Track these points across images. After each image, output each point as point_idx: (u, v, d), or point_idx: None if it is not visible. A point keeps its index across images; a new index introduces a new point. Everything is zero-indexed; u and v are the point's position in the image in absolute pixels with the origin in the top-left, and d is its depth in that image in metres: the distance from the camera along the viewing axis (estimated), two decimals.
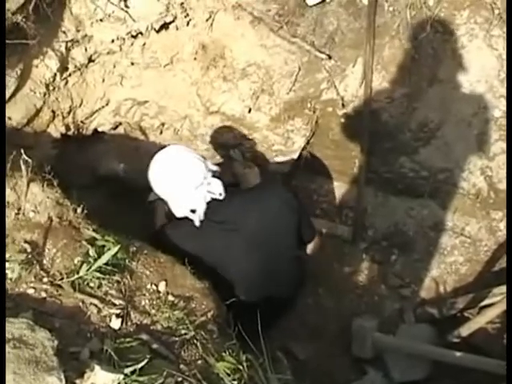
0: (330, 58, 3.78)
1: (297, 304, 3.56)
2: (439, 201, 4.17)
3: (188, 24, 3.83)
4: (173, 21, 3.79)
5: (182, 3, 3.66)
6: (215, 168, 3.23)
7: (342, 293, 4.08)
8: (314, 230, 3.63)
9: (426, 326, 3.80)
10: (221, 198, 3.15)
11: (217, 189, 3.13)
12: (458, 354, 3.41)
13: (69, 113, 3.97)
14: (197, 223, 3.08)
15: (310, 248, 3.92)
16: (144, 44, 3.90)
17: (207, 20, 3.77)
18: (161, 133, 4.33)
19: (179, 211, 3.15)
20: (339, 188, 4.37)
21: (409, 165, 4.11)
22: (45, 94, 3.75)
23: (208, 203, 3.14)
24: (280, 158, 4.19)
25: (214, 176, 3.17)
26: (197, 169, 3.11)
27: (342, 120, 4.02)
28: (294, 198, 3.42)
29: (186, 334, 2.49)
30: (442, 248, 4.13)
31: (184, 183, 3.10)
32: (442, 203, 4.17)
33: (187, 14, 3.76)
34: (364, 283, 4.12)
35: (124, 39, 3.80)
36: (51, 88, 3.76)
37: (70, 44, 3.71)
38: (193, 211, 3.13)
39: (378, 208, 4.25)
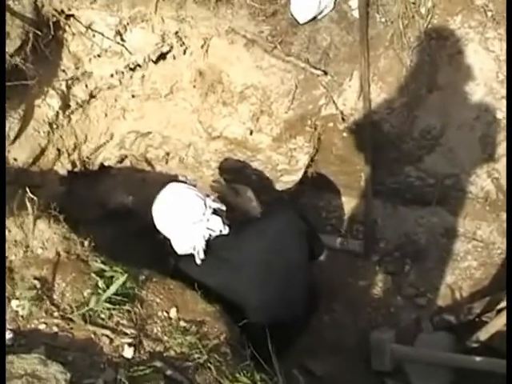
0: (325, 73, 3.79)
1: (311, 325, 3.53)
2: (448, 207, 4.18)
3: (184, 52, 3.87)
4: (169, 51, 3.83)
5: (177, 32, 3.70)
6: (216, 205, 3.21)
7: (357, 307, 4.07)
8: (322, 246, 3.62)
9: (444, 333, 3.79)
10: (225, 233, 3.14)
11: (216, 226, 3.12)
12: (478, 358, 3.39)
13: (74, 149, 4.00)
14: (198, 260, 3.07)
15: (322, 264, 3.89)
16: (143, 76, 3.93)
17: (202, 47, 3.79)
18: (166, 162, 4.34)
19: (180, 248, 3.16)
20: (347, 203, 4.37)
21: (415, 173, 4.11)
22: (49, 133, 3.79)
23: (215, 239, 3.14)
24: (285, 178, 4.19)
25: (214, 213, 3.17)
26: (195, 206, 3.11)
27: (344, 134, 4.02)
28: (302, 221, 3.39)
29: (199, 358, 2.49)
30: (454, 254, 4.13)
31: (182, 220, 3.11)
32: (452, 209, 4.17)
33: (183, 43, 3.79)
34: (379, 295, 4.11)
35: (123, 72, 3.84)
36: (55, 126, 3.80)
37: (70, 82, 3.76)
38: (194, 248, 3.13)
39: (388, 219, 4.25)
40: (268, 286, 3.13)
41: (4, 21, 3.10)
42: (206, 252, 3.09)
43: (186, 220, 3.10)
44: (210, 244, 3.11)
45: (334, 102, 3.91)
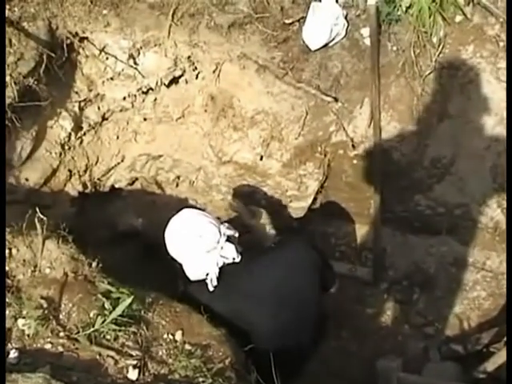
0: (336, 100, 3.83)
1: (318, 353, 3.52)
2: (458, 236, 4.17)
3: (197, 77, 3.92)
4: (182, 75, 3.88)
5: (189, 57, 3.75)
6: (231, 232, 3.16)
7: (365, 334, 4.06)
8: (335, 278, 3.60)
9: (451, 363, 3.77)
10: (237, 260, 3.12)
11: (230, 253, 3.08)
12: None
13: (85, 171, 4.05)
14: (210, 287, 3.05)
15: (331, 292, 3.89)
16: (155, 99, 3.99)
17: (214, 72, 3.84)
18: (177, 186, 4.37)
19: (192, 274, 3.14)
20: (356, 230, 4.37)
21: (424, 202, 4.12)
22: (61, 154, 3.85)
23: (227, 266, 3.12)
24: (295, 204, 4.21)
25: (228, 240, 3.17)
26: (210, 234, 3.04)
27: (354, 161, 4.04)
28: (315, 251, 3.37)
29: (203, 381, 2.48)
30: (463, 284, 4.12)
31: (196, 248, 3.04)
32: (461, 238, 4.16)
33: (195, 68, 3.84)
34: (387, 324, 4.10)
35: (135, 96, 3.90)
36: (67, 147, 3.86)
37: (82, 104, 3.83)
38: (207, 274, 3.12)
39: (397, 247, 4.25)
40: (277, 315, 3.10)
41: (4, 28, 3.14)
42: (217, 279, 3.08)
43: (200, 248, 3.03)
44: (222, 270, 3.08)
45: (344, 129, 3.94)
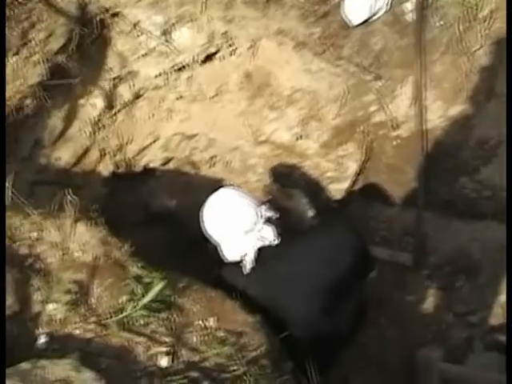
0: (377, 78, 3.79)
1: (356, 341, 3.49)
2: (504, 221, 4.08)
3: (232, 54, 3.90)
4: (217, 51, 3.86)
5: (225, 33, 3.72)
6: (270, 214, 3.15)
7: (405, 322, 4.00)
8: (374, 263, 3.56)
9: (496, 354, 3.70)
10: (275, 243, 3.10)
11: (268, 236, 3.06)
12: None
13: (118, 151, 4.06)
14: (246, 269, 3.05)
15: (370, 278, 3.85)
16: (189, 77, 3.97)
17: (250, 48, 3.82)
18: (212, 166, 4.37)
19: (229, 256, 3.13)
20: (397, 213, 4.31)
21: (470, 185, 4.05)
22: (92, 133, 3.86)
23: (265, 248, 3.10)
24: (334, 185, 4.19)
25: (267, 222, 3.15)
26: (248, 214, 3.04)
27: (396, 142, 4.01)
28: (357, 236, 3.33)
29: (237, 370, 2.47)
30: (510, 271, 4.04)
31: (234, 228, 3.04)
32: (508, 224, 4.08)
33: (231, 44, 3.81)
34: (428, 311, 4.04)
35: (169, 73, 3.88)
36: (99, 126, 3.87)
37: (115, 81, 3.82)
38: (244, 256, 3.10)
39: (440, 232, 4.17)
40: (315, 301, 3.08)
41: (4, 22, 3.13)
42: (255, 261, 3.07)
43: (238, 229, 3.03)
44: (260, 253, 3.07)
45: (385, 108, 3.90)
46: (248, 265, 3.00)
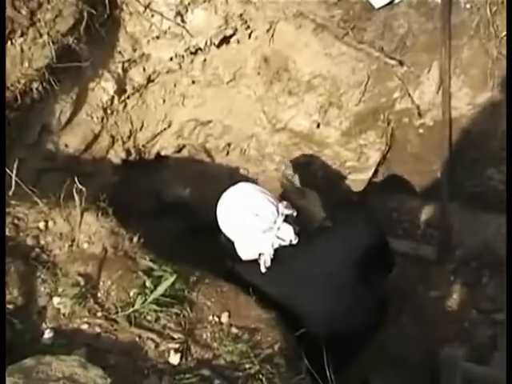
0: (401, 63, 3.75)
1: (375, 340, 3.48)
2: None
3: (249, 37, 3.88)
4: (233, 34, 3.84)
5: (241, 15, 3.70)
6: (289, 211, 3.08)
7: (427, 319, 3.98)
8: (394, 260, 3.54)
9: None
10: (294, 243, 3.07)
11: (287, 235, 3.01)
12: None
13: (129, 137, 4.06)
14: (263, 269, 3.02)
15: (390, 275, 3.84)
16: (204, 60, 3.96)
17: (268, 31, 3.79)
18: (227, 154, 4.37)
19: (245, 254, 3.11)
20: (421, 205, 4.29)
21: (497, 176, 4.02)
22: (103, 119, 3.85)
23: (283, 247, 3.08)
24: (354, 176, 4.19)
25: (286, 221, 3.05)
26: (267, 212, 2.99)
27: (420, 131, 3.98)
28: (377, 233, 3.31)
29: (250, 368, 2.46)
30: None
31: (251, 227, 2.99)
32: None
33: (248, 26, 3.79)
34: (452, 308, 4.02)
35: (183, 56, 3.86)
36: (109, 112, 3.87)
37: (126, 64, 3.80)
38: (260, 255, 3.08)
39: (466, 225, 4.14)
40: (333, 299, 3.06)
41: (4, 28, 3.11)
42: (271, 261, 3.05)
43: (256, 228, 2.99)
44: (276, 252, 3.05)
45: (409, 95, 3.87)
46: (265, 264, 2.98)
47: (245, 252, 3.06)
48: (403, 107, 3.93)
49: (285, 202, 3.10)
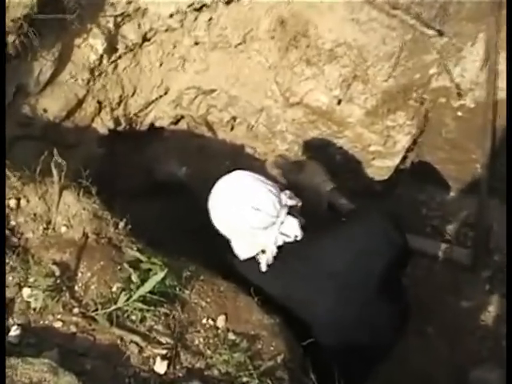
0: (441, 34, 3.74)
1: (394, 351, 3.49)
2: None
3: None
4: None
5: None
6: (293, 202, 3.06)
7: (457, 334, 4.00)
8: (410, 254, 3.52)
9: None
10: (299, 238, 3.04)
11: (292, 230, 3.00)
12: None
13: (119, 104, 4.06)
14: (263, 268, 3.01)
15: (416, 275, 3.84)
16: (210, 19, 3.95)
17: None
18: (232, 129, 4.37)
19: (244, 253, 3.08)
20: (455, 200, 4.31)
21: None
22: (89, 81, 3.84)
23: (286, 244, 3.05)
24: (378, 162, 4.19)
25: (290, 213, 3.02)
26: (268, 205, 2.94)
27: (459, 113, 3.97)
28: (397, 232, 3.29)
29: (248, 382, 2.46)
30: None
31: (250, 223, 2.95)
32: None
33: None
34: (486, 322, 4.03)
35: (186, 13, 3.86)
36: (97, 73, 3.86)
37: (119, 19, 3.81)
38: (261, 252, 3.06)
39: (506, 225, 4.14)
40: (345, 305, 3.06)
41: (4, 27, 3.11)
42: (274, 258, 3.03)
43: (256, 224, 2.95)
44: (281, 249, 3.03)
45: (448, 71, 3.85)
46: (266, 263, 2.98)
47: (243, 251, 3.03)
48: (440, 85, 3.92)
49: (287, 192, 3.07)
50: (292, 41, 3.91)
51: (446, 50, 3.79)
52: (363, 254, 3.06)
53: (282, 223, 2.95)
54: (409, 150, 4.15)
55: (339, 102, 4.01)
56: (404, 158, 4.18)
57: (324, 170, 3.56)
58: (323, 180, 3.50)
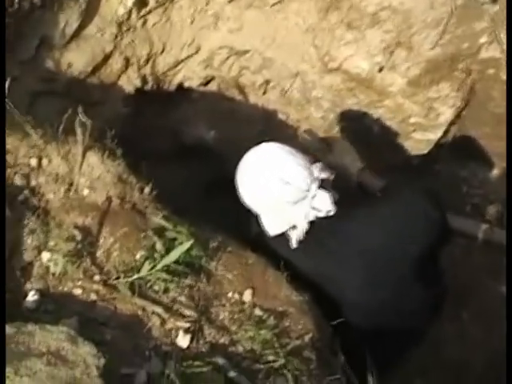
0: (494, 1, 3.68)
1: (428, 336, 3.47)
2: None
3: None
4: None
5: None
6: (325, 175, 3.03)
7: (494, 319, 3.96)
8: (449, 235, 3.49)
9: None
10: (332, 213, 3.02)
11: (324, 205, 2.96)
12: None
13: (146, 61, 4.04)
14: (294, 244, 2.99)
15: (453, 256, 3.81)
16: None
17: None
18: (264, 93, 4.35)
19: (273, 230, 3.06)
20: (499, 178, 4.27)
21: None
22: (116, 36, 3.82)
23: (318, 219, 3.04)
24: (419, 135, 4.15)
25: (322, 187, 2.99)
26: (298, 179, 2.91)
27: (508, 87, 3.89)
28: (436, 209, 3.26)
29: (274, 361, 2.45)
30: None
31: (280, 198, 2.93)
32: None
33: None
34: None
35: None
36: (125, 28, 3.84)
37: None
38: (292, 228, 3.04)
39: None
40: (379, 285, 3.04)
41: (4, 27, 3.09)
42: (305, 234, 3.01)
43: (286, 199, 2.93)
44: (312, 224, 3.01)
45: (500, 41, 3.78)
46: (296, 239, 2.96)
47: (273, 228, 3.01)
48: (490, 56, 3.86)
49: (319, 164, 3.03)
50: (333, 1, 3.88)
51: (499, 17, 3.72)
52: (399, 235, 3.03)
53: (313, 197, 2.92)
54: (452, 123, 4.11)
55: (380, 70, 3.97)
56: (446, 132, 4.14)
57: (354, 149, 3.54)
58: (353, 159, 3.48)
